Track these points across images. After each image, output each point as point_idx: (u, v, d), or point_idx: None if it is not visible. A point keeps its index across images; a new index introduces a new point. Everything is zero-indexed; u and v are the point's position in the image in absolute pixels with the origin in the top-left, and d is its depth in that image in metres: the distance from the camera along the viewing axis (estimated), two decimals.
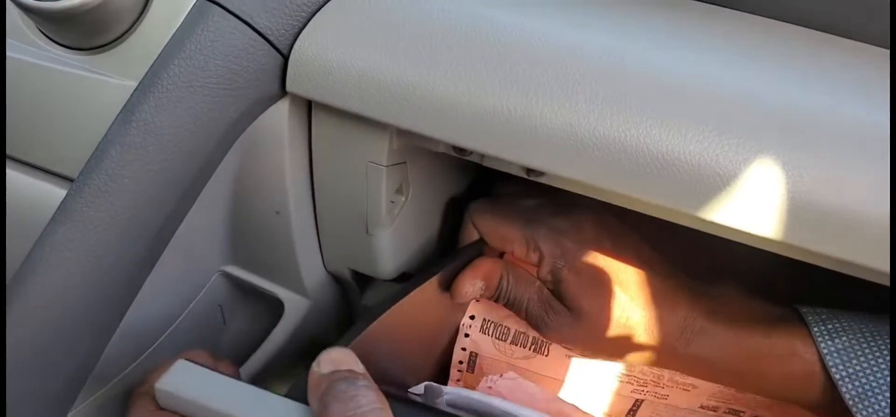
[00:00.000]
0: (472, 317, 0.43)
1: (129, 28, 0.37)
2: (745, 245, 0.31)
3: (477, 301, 0.42)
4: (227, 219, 0.39)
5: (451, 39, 0.30)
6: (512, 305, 0.40)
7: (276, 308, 0.43)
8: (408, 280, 0.47)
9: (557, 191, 0.38)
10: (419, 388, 0.38)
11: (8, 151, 0.39)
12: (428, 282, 0.38)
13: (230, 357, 0.47)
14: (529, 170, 0.33)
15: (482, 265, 0.39)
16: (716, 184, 0.28)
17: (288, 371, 0.46)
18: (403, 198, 0.39)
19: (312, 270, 0.41)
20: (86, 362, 0.32)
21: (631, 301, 0.37)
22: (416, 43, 0.30)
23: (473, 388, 0.42)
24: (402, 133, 0.34)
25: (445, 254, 0.50)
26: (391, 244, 0.40)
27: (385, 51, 0.30)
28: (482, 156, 0.34)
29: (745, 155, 0.28)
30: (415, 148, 0.37)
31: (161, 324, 0.40)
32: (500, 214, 0.40)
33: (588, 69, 0.29)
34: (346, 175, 0.36)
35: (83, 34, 0.36)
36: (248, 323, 0.47)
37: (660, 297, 0.37)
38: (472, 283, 0.39)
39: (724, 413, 0.44)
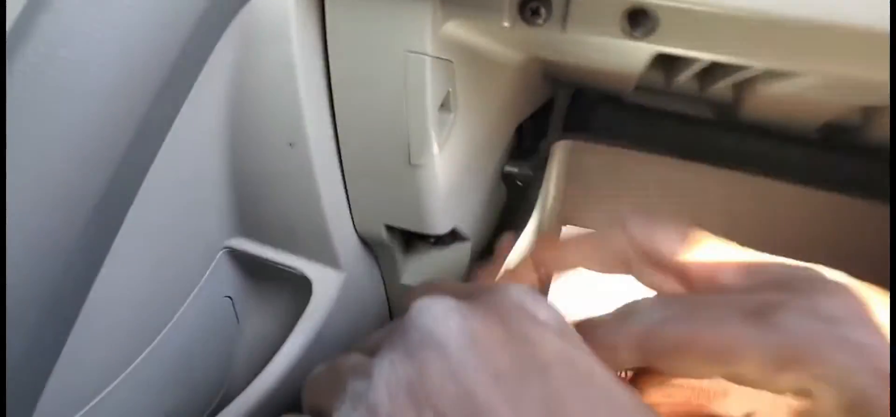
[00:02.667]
0: None
1: None
2: None
3: None
4: (228, 170, 0.29)
5: None
6: None
7: (301, 291, 0.34)
8: (460, 242, 0.38)
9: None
10: None
11: None
12: None
13: (249, 366, 0.37)
14: (632, 21, 0.24)
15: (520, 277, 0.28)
16: None
17: None
18: (451, 116, 0.30)
19: (343, 230, 0.32)
20: (40, 357, 0.23)
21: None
22: None
23: None
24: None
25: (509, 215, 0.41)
26: (441, 181, 0.30)
27: None
28: (564, 13, 0.25)
29: None
30: (462, 41, 0.28)
31: (153, 324, 0.31)
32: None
33: None
34: (376, 74, 0.26)
35: None
36: (267, 318, 0.37)
37: None
38: None
39: None
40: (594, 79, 0.39)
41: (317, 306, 0.32)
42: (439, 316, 0.19)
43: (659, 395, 0.23)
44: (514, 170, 0.41)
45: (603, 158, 0.40)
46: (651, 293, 0.24)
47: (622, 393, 0.18)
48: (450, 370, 0.18)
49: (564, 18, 0.25)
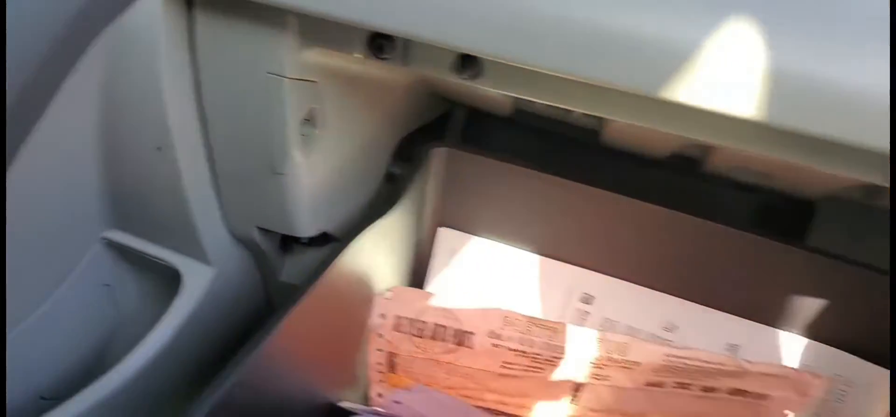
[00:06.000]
0: (382, 316, 0.38)
1: None
2: None
3: (388, 297, 0.38)
4: (102, 165, 0.31)
5: None
6: None
7: (176, 283, 0.36)
8: (331, 243, 0.40)
9: None
10: None
11: None
12: (327, 273, 0.32)
13: (128, 352, 0.39)
14: (462, 67, 0.27)
15: None
16: (681, 59, 0.23)
17: (190, 369, 0.38)
18: (316, 131, 0.33)
19: (213, 228, 0.34)
20: None
21: None
22: None
23: (398, 387, 0.39)
24: (306, 30, 0.28)
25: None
26: (306, 188, 0.33)
27: None
28: (405, 52, 0.28)
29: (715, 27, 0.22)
30: (326, 65, 0.31)
31: (28, 300, 0.32)
32: None
33: None
34: (241, 89, 0.29)
35: None
36: (146, 307, 0.39)
37: None
38: None
39: (673, 387, 0.40)
40: (472, 98, 0.42)
41: (185, 298, 0.35)
42: None
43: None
44: (396, 171, 0.43)
45: (479, 167, 0.43)
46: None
47: None
48: None
49: (405, 57, 0.28)
